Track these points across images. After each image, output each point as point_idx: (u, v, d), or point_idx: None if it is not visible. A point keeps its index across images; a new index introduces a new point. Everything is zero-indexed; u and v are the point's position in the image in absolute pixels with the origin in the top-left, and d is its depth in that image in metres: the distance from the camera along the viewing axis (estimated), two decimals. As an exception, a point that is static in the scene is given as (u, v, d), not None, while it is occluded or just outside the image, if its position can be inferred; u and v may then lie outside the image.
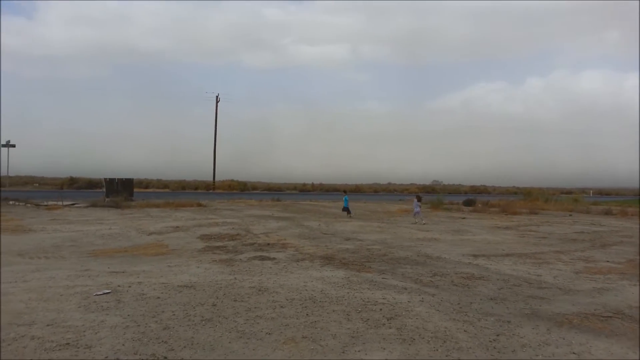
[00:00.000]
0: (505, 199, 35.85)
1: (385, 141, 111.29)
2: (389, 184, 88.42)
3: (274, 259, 9.44)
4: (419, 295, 6.63)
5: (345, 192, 24.25)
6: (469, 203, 31.44)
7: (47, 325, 5.08)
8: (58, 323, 5.14)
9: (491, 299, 6.63)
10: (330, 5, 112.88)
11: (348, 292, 6.60)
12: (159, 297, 6.23)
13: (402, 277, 7.94)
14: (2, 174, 30.70)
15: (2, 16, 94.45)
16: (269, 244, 11.39)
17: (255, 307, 5.78)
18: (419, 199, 19.07)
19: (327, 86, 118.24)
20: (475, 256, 10.34)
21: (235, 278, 7.46)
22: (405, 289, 7.00)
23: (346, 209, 20.89)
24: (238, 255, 9.78)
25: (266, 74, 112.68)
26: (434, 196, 35.98)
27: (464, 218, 21.31)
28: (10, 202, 24.67)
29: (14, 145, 28.87)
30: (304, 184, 67.41)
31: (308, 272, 8.05)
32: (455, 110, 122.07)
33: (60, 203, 24.08)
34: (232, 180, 60.02)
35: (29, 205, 24.00)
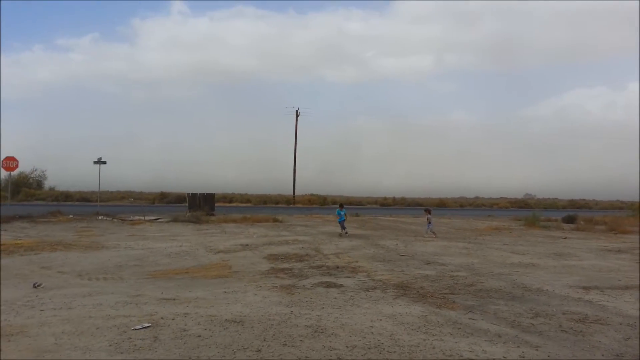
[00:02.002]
0: (611, 215, 31.92)
1: (473, 153, 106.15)
2: (477, 197, 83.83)
3: (340, 286, 8.33)
4: (518, 346, 5.18)
5: (341, 205, 19.22)
6: (569, 220, 28.17)
7: (65, 370, 4.36)
8: (77, 368, 4.41)
9: (616, 355, 5.03)
10: (413, 16, 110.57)
11: (424, 339, 5.31)
12: (199, 336, 5.36)
13: (495, 317, 6.47)
14: (94, 190, 32.47)
15: (107, 43, 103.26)
16: (338, 267, 10.29)
17: (306, 357, 4.69)
18: (428, 213, 18.76)
19: (411, 98, 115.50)
20: (585, 289, 8.52)
21: (291, 312, 6.44)
22: (499, 336, 5.57)
23: (341, 224, 18.01)
24: (302, 281, 8.79)
25: (350, 88, 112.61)
26: (528, 212, 32.96)
27: (565, 238, 18.81)
28: (99, 217, 25.77)
29: (105, 162, 30.33)
30: (385, 198, 65.64)
31: (378, 307, 6.84)
32: (549, 118, 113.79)
33: (143, 218, 24.74)
34: (312, 195, 59.82)
35: (115, 220, 24.90)
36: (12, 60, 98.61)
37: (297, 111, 58.10)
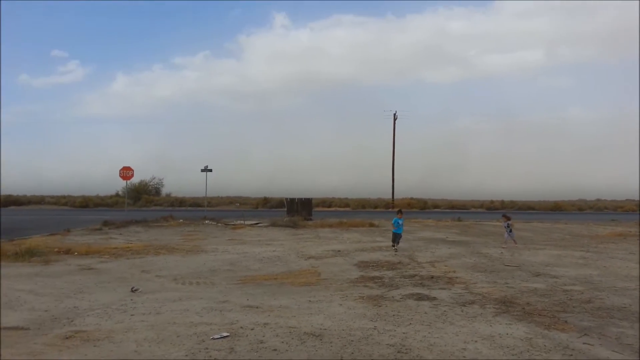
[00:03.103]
0: None
1: (593, 151, 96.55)
2: (598, 200, 76.07)
3: (434, 299, 7.65)
4: (649, 384, 4.23)
5: (400, 211, 14.82)
6: None
7: (137, 380, 4.31)
8: (149, 378, 4.33)
9: None
10: (519, 9, 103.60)
11: (527, 368, 4.55)
12: (275, 350, 5.09)
13: (617, 342, 5.44)
14: (201, 195, 34.32)
15: (217, 59, 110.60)
16: (432, 277, 9.56)
17: (384, 382, 4.20)
18: (508, 219, 15.89)
19: (520, 95, 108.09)
20: None
21: (375, 327, 5.95)
22: (623, 368, 4.62)
23: (397, 236, 13.94)
24: (392, 291, 8.23)
25: (452, 88, 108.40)
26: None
27: None
28: (206, 222, 27.15)
29: (210, 170, 32.04)
30: (492, 202, 61.98)
31: (474, 325, 6.10)
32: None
33: (243, 223, 25.61)
34: (412, 199, 58.30)
35: (219, 224, 26.06)
36: (135, 79, 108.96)
37: (394, 114, 57.17)
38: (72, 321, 6.35)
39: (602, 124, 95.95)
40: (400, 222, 13.92)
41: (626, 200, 71.64)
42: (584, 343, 5.37)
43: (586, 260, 12.41)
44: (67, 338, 5.52)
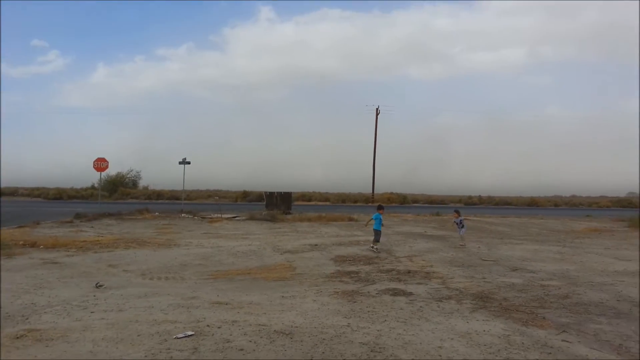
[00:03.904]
0: None
1: (570, 148, 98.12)
2: (573, 196, 77.39)
3: (410, 294, 7.44)
4: (629, 384, 4.07)
5: (381, 207, 13.51)
6: (684, 221, 24.70)
7: (89, 384, 3.97)
8: (102, 382, 4.00)
9: None
10: (504, 8, 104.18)
11: (504, 368, 4.35)
12: (242, 350, 4.79)
13: (595, 339, 5.30)
14: (178, 189, 33.68)
15: (200, 52, 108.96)
16: (409, 272, 9.37)
17: (355, 384, 3.94)
18: (459, 215, 14.63)
19: (503, 93, 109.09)
20: None
21: (349, 324, 5.70)
22: (603, 367, 4.46)
23: (377, 232, 12.71)
24: (368, 287, 8.00)
25: (436, 85, 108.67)
26: (633, 211, 29.52)
27: (680, 241, 16.27)
28: (182, 215, 26.61)
29: (189, 162, 31.37)
30: (470, 197, 62.51)
31: (450, 322, 5.90)
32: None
33: (220, 216, 25.17)
34: (392, 193, 58.41)
35: (196, 218, 25.56)
36: (116, 70, 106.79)
37: (377, 109, 57.06)
38: (27, 319, 5.95)
39: (580, 122, 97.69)
40: (380, 217, 12.84)
41: (600, 196, 73.10)
42: (562, 340, 5.21)
43: (563, 255, 12.40)
44: (17, 337, 5.13)
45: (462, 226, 14.25)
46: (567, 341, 5.19)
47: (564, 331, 5.57)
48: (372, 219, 12.98)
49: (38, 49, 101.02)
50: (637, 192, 74.86)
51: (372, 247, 12.47)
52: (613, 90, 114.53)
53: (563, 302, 7.08)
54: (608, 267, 10.40)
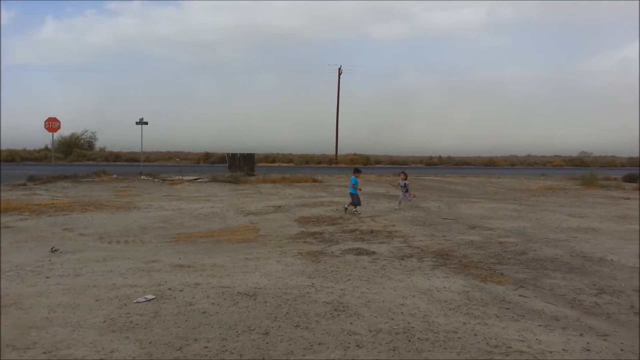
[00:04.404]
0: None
1: (526, 110, 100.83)
2: (528, 156, 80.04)
3: (372, 253, 7.52)
4: (581, 334, 4.24)
5: (357, 170, 13.12)
6: (631, 178, 25.97)
7: (44, 352, 3.82)
8: (58, 349, 3.85)
9: None
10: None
11: (464, 323, 4.45)
12: (204, 312, 4.72)
13: (551, 294, 5.51)
14: (136, 150, 32.65)
15: (154, 6, 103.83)
16: (372, 232, 9.47)
17: (319, 343, 3.95)
18: (405, 178, 13.59)
19: (463, 53, 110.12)
20: (659, 259, 7.33)
21: (312, 284, 5.71)
22: (557, 319, 4.63)
23: (354, 196, 12.12)
24: (331, 247, 8.04)
25: (398, 44, 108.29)
26: (585, 170, 30.77)
27: (627, 199, 17.13)
28: (142, 177, 25.92)
29: (146, 123, 30.33)
30: (430, 157, 63.64)
31: (412, 279, 6.00)
32: (610, 72, 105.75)
33: (181, 178, 24.68)
34: (355, 154, 58.74)
35: (156, 180, 24.96)
36: (67, 25, 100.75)
37: (339, 69, 56.49)
38: (-24, 286, 5.67)
39: (537, 82, 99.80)
40: (356, 180, 12.29)
41: (555, 156, 75.83)
42: (519, 295, 5.39)
43: (519, 212, 12.81)
44: (-35, 306, 4.88)
45: (406, 190, 13.28)
46: (524, 296, 5.37)
47: (521, 286, 5.76)
48: (352, 183, 12.31)
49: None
50: (589, 151, 78.05)
51: (355, 211, 11.94)
52: (570, 51, 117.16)
53: (520, 258, 7.33)
54: (562, 224, 10.81)
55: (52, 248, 7.74)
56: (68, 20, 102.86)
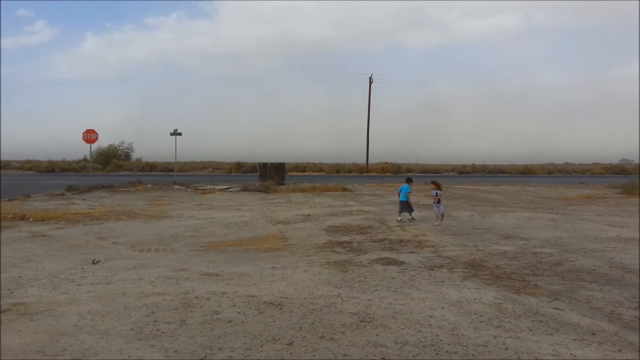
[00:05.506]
0: None
1: (563, 116, 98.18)
2: (566, 164, 77.70)
3: (402, 263, 7.39)
4: (619, 350, 4.03)
5: (409, 179, 13.30)
6: (676, 187, 24.79)
7: (72, 359, 3.89)
8: (86, 357, 3.91)
9: None
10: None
11: (495, 336, 4.29)
12: (230, 321, 4.72)
13: (587, 307, 5.27)
14: (168, 160, 33.32)
15: (190, 20, 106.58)
16: (401, 241, 9.32)
17: (344, 355, 3.88)
18: (438, 187, 12.20)
19: (497, 60, 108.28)
20: None
21: (339, 295, 5.64)
22: (594, 333, 4.42)
23: (405, 205, 12.27)
24: (359, 256, 7.95)
25: (431, 52, 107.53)
26: (626, 178, 29.59)
27: (672, 208, 16.33)
28: (175, 187, 26.43)
29: (180, 134, 30.98)
30: (464, 166, 62.54)
31: (442, 290, 5.85)
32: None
33: (213, 187, 25.02)
34: (386, 163, 58.32)
35: (189, 189, 25.40)
36: (105, 40, 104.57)
37: (370, 77, 56.44)
38: (12, 292, 5.84)
39: (574, 88, 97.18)
40: (406, 188, 12.34)
41: (594, 163, 73.38)
42: (554, 308, 5.17)
43: (555, 222, 12.40)
44: (2, 312, 5.04)
45: (439, 201, 11.85)
46: (559, 309, 5.16)
47: (556, 299, 5.53)
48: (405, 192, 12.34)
49: (24, 19, 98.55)
50: (630, 159, 75.19)
51: (411, 217, 12.26)
52: (608, 56, 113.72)
53: (555, 269, 7.06)
54: (600, 234, 10.40)
55: (93, 260, 7.84)
56: (108, 36, 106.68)
